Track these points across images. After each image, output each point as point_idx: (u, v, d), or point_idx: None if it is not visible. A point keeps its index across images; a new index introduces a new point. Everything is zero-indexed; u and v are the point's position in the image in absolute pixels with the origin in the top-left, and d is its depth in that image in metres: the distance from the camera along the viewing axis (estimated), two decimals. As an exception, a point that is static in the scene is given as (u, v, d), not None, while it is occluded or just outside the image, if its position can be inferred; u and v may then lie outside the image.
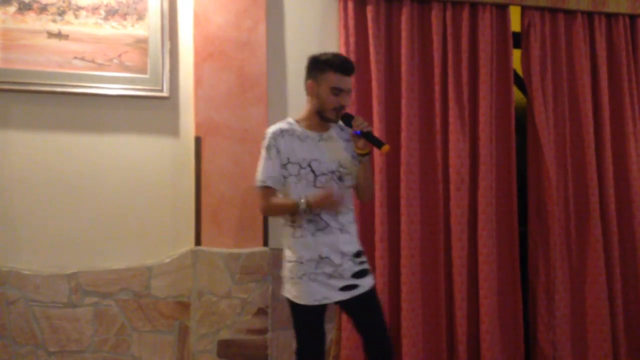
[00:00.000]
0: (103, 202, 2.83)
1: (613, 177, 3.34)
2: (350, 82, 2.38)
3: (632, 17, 3.47)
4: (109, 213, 2.83)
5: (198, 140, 2.87)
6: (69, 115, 2.81)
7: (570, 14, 3.38)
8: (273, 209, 2.40)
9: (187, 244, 2.87)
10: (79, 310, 2.75)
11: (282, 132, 2.35)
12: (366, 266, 2.44)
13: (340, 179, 2.39)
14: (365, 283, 2.40)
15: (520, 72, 3.40)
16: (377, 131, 3.02)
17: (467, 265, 3.12)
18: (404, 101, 3.07)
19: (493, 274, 3.13)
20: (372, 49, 3.05)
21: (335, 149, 2.41)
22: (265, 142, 2.36)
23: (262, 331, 2.85)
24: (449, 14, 3.18)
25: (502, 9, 3.28)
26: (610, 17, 3.43)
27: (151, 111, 2.90)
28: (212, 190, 2.86)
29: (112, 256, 2.82)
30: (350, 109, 3.00)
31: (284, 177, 2.34)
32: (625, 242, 3.36)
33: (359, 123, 2.33)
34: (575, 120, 3.35)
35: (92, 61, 2.80)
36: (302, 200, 2.26)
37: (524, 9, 3.33)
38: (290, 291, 2.36)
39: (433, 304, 3.09)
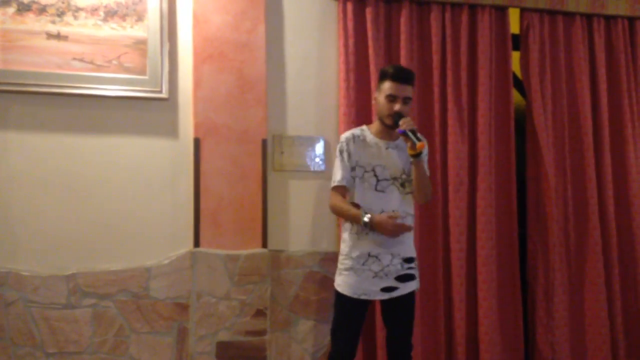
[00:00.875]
0: (102, 203, 2.82)
1: (612, 179, 3.35)
2: (407, 90, 2.51)
3: (631, 20, 3.48)
4: (108, 214, 2.83)
5: (197, 142, 2.87)
6: (68, 117, 2.81)
7: (569, 16, 3.38)
8: (339, 210, 2.57)
9: (186, 245, 2.87)
10: (78, 312, 2.75)
11: (353, 138, 2.57)
12: (413, 272, 2.59)
13: (402, 185, 2.56)
14: (406, 287, 2.54)
15: (519, 74, 3.40)
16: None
17: (466, 267, 3.12)
18: (403, 103, 3.07)
19: (492, 275, 3.13)
20: (371, 51, 3.05)
21: (401, 157, 2.56)
22: (339, 146, 2.58)
23: (261, 333, 2.85)
24: (448, 15, 3.18)
25: (501, 11, 3.29)
26: (609, 19, 3.44)
27: (150, 112, 2.90)
28: (211, 191, 2.86)
29: (111, 257, 2.81)
30: (349, 111, 3.02)
31: (353, 179, 2.54)
32: (624, 244, 3.37)
33: (405, 122, 2.44)
34: (574, 122, 3.36)
35: (91, 62, 2.80)
36: (366, 219, 2.43)
37: (523, 11, 3.33)
38: (336, 280, 2.56)
39: (432, 306, 3.09)
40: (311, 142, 3.07)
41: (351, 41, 3.05)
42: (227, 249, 2.84)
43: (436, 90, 3.15)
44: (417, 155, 2.46)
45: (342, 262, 2.56)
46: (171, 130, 2.93)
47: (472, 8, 3.23)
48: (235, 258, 2.84)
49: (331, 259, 2.94)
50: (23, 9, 2.73)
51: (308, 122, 3.08)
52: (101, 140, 2.85)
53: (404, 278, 2.54)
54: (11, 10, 2.72)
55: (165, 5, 2.88)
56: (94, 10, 2.81)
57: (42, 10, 2.75)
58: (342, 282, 2.53)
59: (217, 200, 2.86)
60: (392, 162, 2.55)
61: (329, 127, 3.07)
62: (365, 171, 2.53)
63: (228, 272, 2.83)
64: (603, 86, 3.38)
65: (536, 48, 3.31)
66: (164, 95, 2.87)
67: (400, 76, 2.51)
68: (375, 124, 2.64)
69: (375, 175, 2.52)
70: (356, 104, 3.05)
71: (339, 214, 2.61)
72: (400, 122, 2.45)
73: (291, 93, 3.07)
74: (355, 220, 2.50)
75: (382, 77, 2.56)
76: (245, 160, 2.89)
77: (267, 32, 3.00)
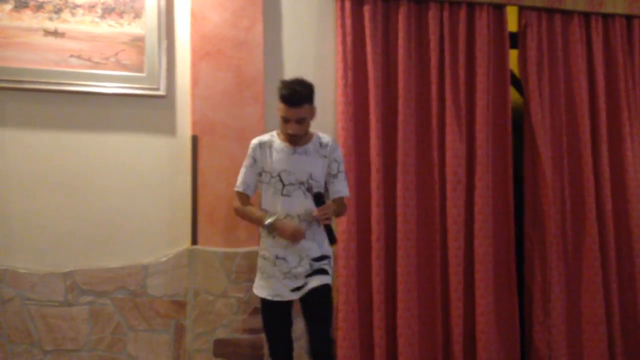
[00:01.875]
0: (99, 200, 2.82)
1: (609, 178, 3.36)
2: (301, 111, 2.48)
3: (629, 18, 3.48)
4: (106, 212, 2.82)
5: (195, 139, 2.87)
6: (65, 114, 2.80)
7: (567, 14, 3.39)
8: (242, 213, 2.63)
9: (184, 243, 2.87)
10: (75, 309, 2.75)
11: (260, 145, 2.59)
12: (323, 267, 2.55)
13: (308, 189, 2.53)
14: (314, 281, 2.52)
15: (517, 72, 3.40)
16: (374, 132, 3.02)
17: (463, 265, 3.13)
18: (400, 101, 3.07)
19: (489, 273, 3.13)
20: (369, 49, 3.05)
21: (308, 163, 2.55)
22: (248, 151, 2.61)
23: (258, 330, 2.85)
24: (446, 14, 3.18)
25: (499, 9, 3.29)
26: (606, 17, 3.44)
27: (148, 110, 2.89)
28: (209, 189, 2.86)
29: (108, 255, 2.81)
30: (346, 109, 3.01)
31: (259, 184, 2.58)
32: (621, 242, 3.37)
33: (323, 215, 2.46)
34: (572, 120, 3.36)
35: (89, 59, 2.79)
36: (269, 221, 2.49)
37: (521, 9, 3.34)
38: (255, 283, 2.61)
39: (429, 304, 3.10)
40: (309, 140, 3.07)
41: (349, 39, 3.05)
42: (224, 247, 2.85)
43: (434, 88, 3.15)
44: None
45: (258, 264, 2.61)
46: (169, 127, 2.92)
47: (470, 6, 3.23)
48: (232, 256, 2.84)
49: (328, 257, 2.94)
50: (20, 5, 2.72)
51: (306, 120, 3.08)
52: (98, 137, 2.84)
53: (312, 273, 2.52)
54: (8, 7, 2.71)
55: (162, 3, 2.87)
56: (91, 7, 2.80)
57: (40, 7, 2.74)
58: (258, 285, 2.58)
59: (215, 198, 2.86)
60: (298, 167, 2.53)
61: (327, 125, 3.06)
62: (272, 177, 2.54)
63: (225, 270, 2.83)
64: (601, 84, 3.38)
65: (534, 46, 3.31)
66: (161, 92, 2.87)
67: (292, 100, 2.46)
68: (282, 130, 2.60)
69: (281, 181, 2.52)
70: (354, 102, 3.05)
71: (242, 216, 2.65)
72: (320, 213, 2.44)
73: (289, 91, 3.06)
74: (258, 222, 2.56)
75: (278, 96, 2.50)
76: (243, 158, 2.88)
77: (265, 29, 3.00)
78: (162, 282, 2.83)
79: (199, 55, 2.89)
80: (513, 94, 3.38)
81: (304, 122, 2.51)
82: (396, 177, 3.06)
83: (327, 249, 2.58)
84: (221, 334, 2.81)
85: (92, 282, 2.77)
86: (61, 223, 2.78)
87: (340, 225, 2.98)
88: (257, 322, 2.84)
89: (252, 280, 2.82)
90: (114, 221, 2.83)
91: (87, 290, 2.76)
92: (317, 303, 2.53)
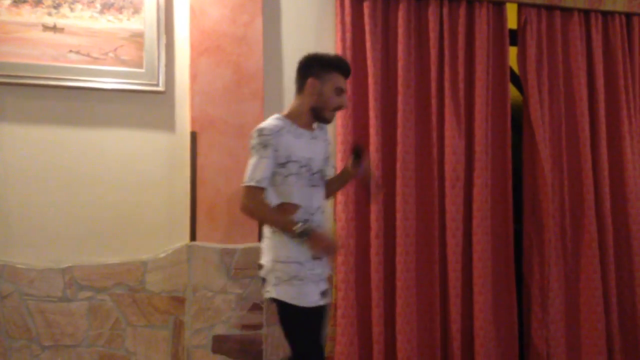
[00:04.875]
0: (98, 196, 2.82)
1: (608, 175, 3.35)
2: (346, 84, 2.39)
3: (628, 15, 3.48)
4: (104, 207, 2.82)
5: (194, 135, 2.86)
6: (64, 109, 2.80)
7: (566, 11, 3.38)
8: (263, 215, 2.27)
9: (182, 239, 2.87)
10: (74, 305, 2.75)
11: (279, 130, 2.22)
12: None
13: (322, 177, 2.39)
14: (330, 292, 2.40)
15: (516, 69, 3.40)
16: (373, 128, 3.02)
17: (461, 262, 3.13)
18: (400, 97, 3.07)
19: (488, 270, 3.14)
20: (368, 45, 3.05)
21: (321, 149, 2.39)
22: (261, 140, 2.21)
23: (257, 327, 2.86)
24: (445, 10, 3.17)
25: (499, 6, 3.28)
26: (606, 15, 3.44)
27: (147, 105, 2.89)
28: (208, 185, 2.86)
29: (107, 251, 2.81)
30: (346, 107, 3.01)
31: (284, 176, 2.23)
32: (620, 240, 3.37)
33: (367, 172, 2.37)
34: (571, 118, 3.36)
35: (88, 55, 2.79)
36: (303, 228, 2.15)
37: (521, 6, 3.33)
38: (288, 292, 2.20)
39: (427, 301, 3.10)
40: (308, 136, 3.06)
41: (348, 35, 3.05)
42: (223, 243, 2.84)
43: (433, 85, 3.14)
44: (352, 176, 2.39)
45: (287, 272, 2.20)
46: (168, 123, 2.92)
47: (470, 3, 3.23)
48: (231, 252, 2.84)
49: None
50: (19, 0, 2.71)
51: (305, 117, 3.07)
52: (97, 133, 2.84)
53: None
54: (7, 1, 2.70)
55: (162, -2, 2.87)
56: (90, 3, 2.80)
57: (38, 2, 2.74)
58: (295, 295, 2.19)
59: (214, 194, 2.86)
60: (317, 154, 2.34)
61: (326, 122, 3.06)
62: (301, 166, 2.25)
63: (224, 266, 2.83)
64: (600, 82, 3.38)
65: (533, 43, 3.31)
66: (160, 88, 2.86)
67: (348, 71, 2.36)
68: (298, 112, 2.32)
69: (310, 170, 2.28)
70: (353, 98, 3.04)
71: (262, 218, 2.32)
72: (365, 164, 2.34)
73: (288, 87, 3.04)
74: (284, 227, 2.19)
75: (328, 66, 2.29)
76: (242, 154, 2.87)
77: (265, 25, 2.99)
78: (161, 278, 2.83)
79: (198, 51, 2.89)
80: (512, 91, 3.38)
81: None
82: (395, 173, 3.06)
83: None
84: (220, 329, 2.82)
85: (91, 278, 2.77)
86: (60, 219, 2.77)
87: (339, 222, 2.98)
88: (256, 318, 2.85)
89: (251, 277, 2.84)
90: (113, 217, 2.83)
91: (85, 285, 2.76)
92: (326, 317, 2.39)
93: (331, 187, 2.48)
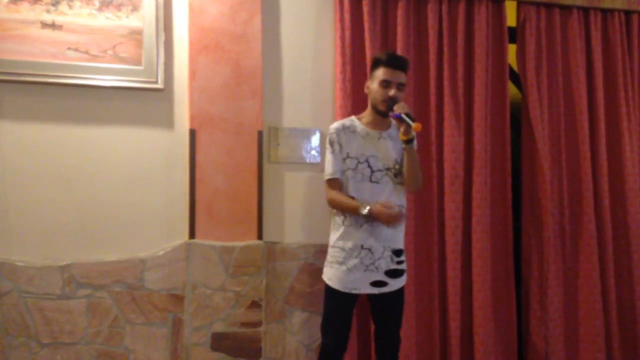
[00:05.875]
0: (97, 193, 2.81)
1: (607, 173, 3.35)
2: (401, 76, 2.52)
3: (628, 13, 3.48)
4: (103, 205, 2.82)
5: (192, 133, 2.86)
6: (63, 107, 2.80)
7: (565, 9, 3.38)
8: (338, 203, 2.52)
9: (181, 236, 2.87)
10: (72, 302, 2.75)
11: (343, 129, 2.53)
12: (403, 267, 2.57)
13: (395, 175, 2.54)
14: (396, 284, 2.54)
15: (515, 67, 3.40)
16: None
17: (460, 260, 3.13)
18: (399, 95, 3.07)
19: (487, 268, 3.14)
20: (367, 43, 3.04)
21: (393, 148, 2.55)
22: (329, 137, 2.54)
23: (256, 324, 2.86)
24: (444, 8, 3.17)
25: (498, 4, 3.28)
26: (605, 12, 3.44)
27: (145, 103, 2.89)
28: (207, 183, 2.85)
29: (106, 248, 2.81)
30: (345, 104, 3.01)
31: (344, 170, 2.51)
32: (618, 237, 3.38)
33: (399, 106, 2.43)
34: (570, 116, 3.36)
35: (86, 52, 2.78)
36: (366, 210, 2.40)
37: (520, 4, 3.33)
38: (326, 273, 2.54)
39: (426, 298, 3.10)
40: (307, 134, 3.07)
41: (348, 33, 3.04)
42: (222, 241, 2.84)
43: (432, 83, 3.14)
44: (409, 141, 2.45)
45: (333, 255, 2.54)
46: (166, 121, 2.92)
47: (469, 1, 3.22)
48: (230, 250, 2.84)
49: (326, 251, 2.94)
50: (17, -2, 2.71)
51: (304, 114, 3.08)
52: (96, 130, 2.83)
53: (393, 274, 2.53)
54: (5, -1, 2.70)
55: (160, -5, 2.86)
56: (89, 0, 2.79)
57: (37, -1, 2.73)
58: (333, 276, 2.51)
59: (213, 192, 2.86)
60: (385, 153, 2.53)
61: (325, 119, 3.06)
62: (359, 162, 2.51)
63: (223, 264, 2.83)
64: (599, 79, 3.38)
65: (533, 41, 3.31)
66: (159, 85, 2.86)
67: (394, 62, 2.51)
68: (367, 114, 2.61)
69: (370, 166, 2.50)
70: (352, 96, 3.04)
71: (338, 207, 2.54)
72: (395, 107, 2.42)
73: (287, 85, 3.06)
74: (354, 212, 2.46)
75: (376, 64, 2.55)
76: (241, 152, 2.89)
77: (264, 23, 2.99)
78: (160, 275, 2.83)
79: (197, 49, 2.88)
80: (511, 89, 3.38)
81: (402, 89, 2.53)
82: (394, 171, 3.06)
83: (403, 243, 2.60)
84: (219, 327, 2.82)
85: (90, 276, 2.77)
86: (58, 216, 2.77)
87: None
88: (255, 315, 2.85)
89: (249, 274, 2.84)
90: (112, 214, 2.83)
91: (84, 283, 2.76)
92: (394, 304, 2.57)
93: (407, 175, 2.53)
